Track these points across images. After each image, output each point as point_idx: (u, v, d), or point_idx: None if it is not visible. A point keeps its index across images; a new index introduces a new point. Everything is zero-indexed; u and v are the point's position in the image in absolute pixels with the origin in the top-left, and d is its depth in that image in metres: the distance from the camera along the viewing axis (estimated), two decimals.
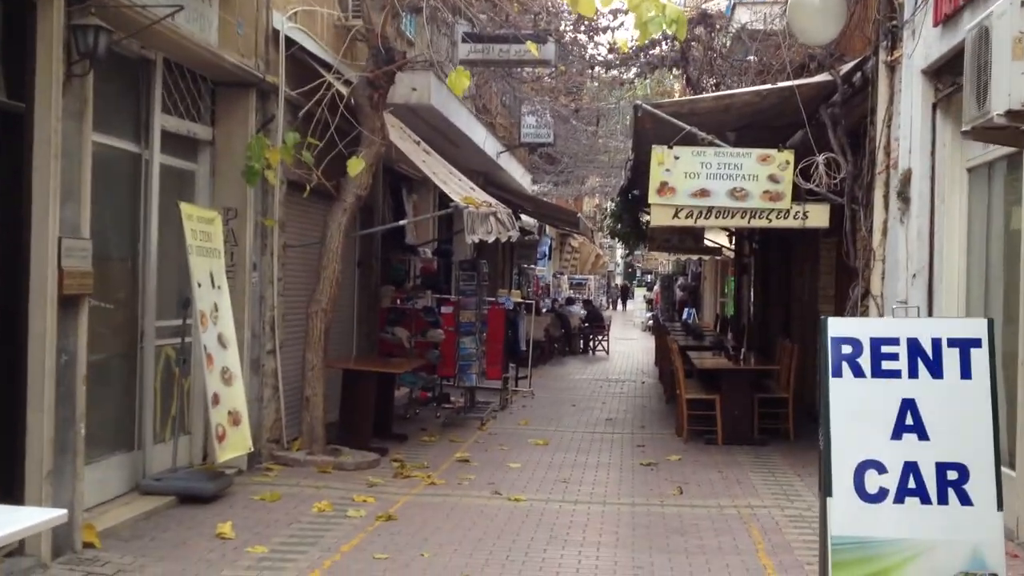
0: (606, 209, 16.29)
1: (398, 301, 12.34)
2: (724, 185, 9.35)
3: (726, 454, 9.72)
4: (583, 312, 25.00)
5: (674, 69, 13.76)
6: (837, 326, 4.80)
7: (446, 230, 16.27)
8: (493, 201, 11.05)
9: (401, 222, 10.35)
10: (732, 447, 10.03)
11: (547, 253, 31.36)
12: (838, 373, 4.75)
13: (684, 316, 29.34)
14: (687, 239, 22.63)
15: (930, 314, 7.88)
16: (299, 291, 9.42)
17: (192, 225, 7.54)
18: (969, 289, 7.88)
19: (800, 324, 13.23)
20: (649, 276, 54.32)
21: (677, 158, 9.41)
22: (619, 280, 60.58)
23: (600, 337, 23.96)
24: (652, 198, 9.51)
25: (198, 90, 8.28)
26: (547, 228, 29.72)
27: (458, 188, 10.79)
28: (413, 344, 12.03)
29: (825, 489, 4.67)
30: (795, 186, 9.31)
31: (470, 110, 14.84)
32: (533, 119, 18.16)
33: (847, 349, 4.77)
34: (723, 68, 12.50)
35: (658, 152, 9.45)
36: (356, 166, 8.09)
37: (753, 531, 6.72)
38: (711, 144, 9.46)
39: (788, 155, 9.33)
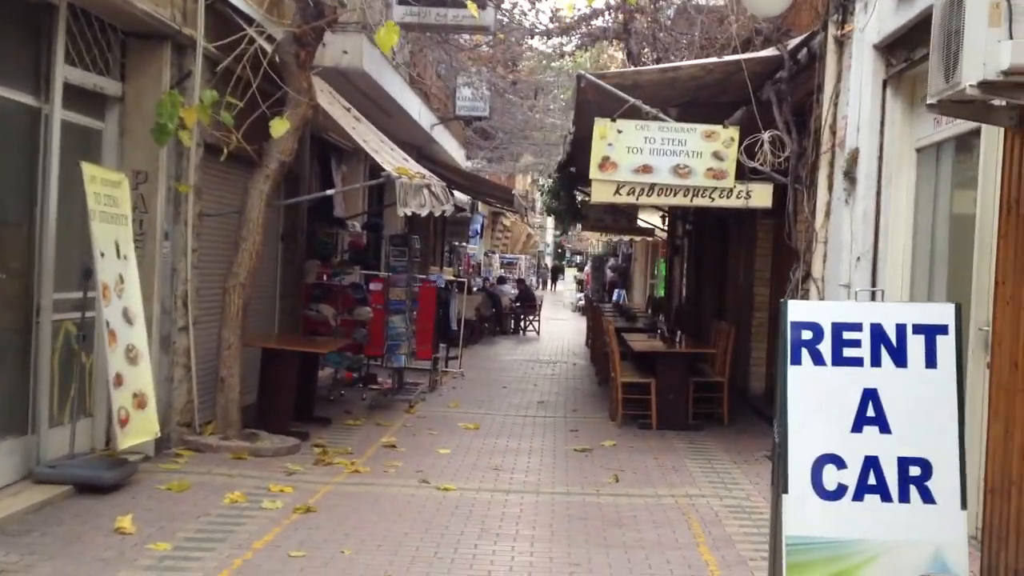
0: (542, 186, 15.83)
1: (324, 277, 11.76)
2: (667, 161, 9.00)
3: (661, 439, 9.43)
4: (514, 292, 24.63)
5: (615, 42, 13.36)
6: (798, 310, 4.46)
7: (377, 203, 15.71)
8: (427, 173, 10.54)
9: (328, 191, 9.76)
10: (667, 432, 9.75)
11: (479, 231, 30.88)
12: (797, 360, 4.41)
13: (614, 297, 29.20)
14: (621, 219, 22.49)
15: (872, 299, 7.65)
16: (216, 264, 8.80)
17: (95, 188, 6.88)
18: (914, 272, 7.67)
19: (734, 306, 13.04)
20: (579, 257, 54.31)
21: (620, 132, 9.03)
22: (549, 260, 60.44)
23: (531, 317, 23.62)
24: (593, 173, 9.12)
25: (107, 41, 7.59)
26: (479, 206, 29.25)
27: (391, 158, 10.25)
28: (339, 322, 11.48)
29: (780, 485, 4.34)
30: (739, 164, 9.02)
31: (404, 78, 14.27)
32: (469, 91, 17.65)
33: (807, 335, 4.43)
34: (666, 42, 12.15)
35: (600, 125, 9.05)
36: (280, 127, 7.50)
37: (693, 523, 6.40)
38: (655, 118, 9.10)
39: (733, 132, 9.02)
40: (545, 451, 8.81)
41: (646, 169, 9.04)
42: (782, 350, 4.41)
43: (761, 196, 9.06)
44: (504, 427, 10.09)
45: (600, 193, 9.26)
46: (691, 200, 9.12)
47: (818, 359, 4.39)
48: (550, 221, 63.30)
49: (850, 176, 7.97)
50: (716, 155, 8.98)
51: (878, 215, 7.85)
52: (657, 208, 21.31)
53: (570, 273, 42.80)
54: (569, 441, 9.31)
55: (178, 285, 8.13)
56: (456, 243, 26.84)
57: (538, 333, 23.29)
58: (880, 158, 7.85)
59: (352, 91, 11.98)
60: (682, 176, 9.01)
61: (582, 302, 33.20)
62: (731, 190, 9.04)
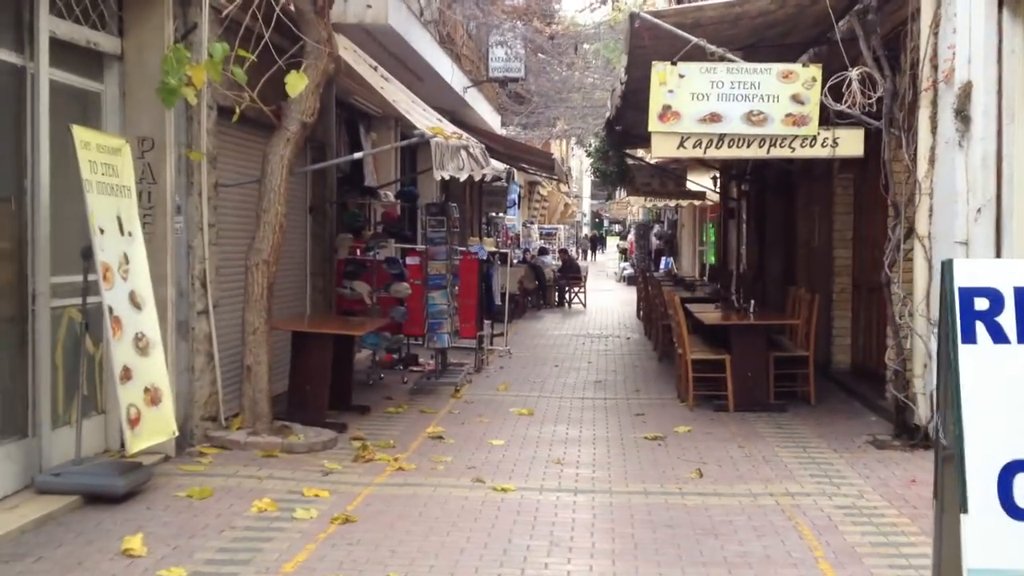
0: (588, 146, 14.69)
1: (357, 252, 10.83)
2: (739, 108, 7.93)
3: (742, 423, 8.40)
4: (558, 263, 23.60)
5: None
6: (968, 272, 3.42)
7: (410, 170, 14.74)
8: (464, 134, 9.53)
9: (357, 155, 8.74)
10: (746, 415, 8.72)
11: (516, 201, 29.83)
12: (970, 338, 3.38)
13: (662, 266, 28.05)
14: (669, 182, 21.33)
15: (998, 257, 6.55)
16: (237, 240, 7.90)
17: (90, 155, 5.96)
18: None
19: (808, 272, 11.91)
20: (618, 226, 53.07)
21: (682, 76, 7.96)
22: (586, 230, 59.24)
23: (576, 289, 22.59)
24: (653, 125, 8.05)
25: None
26: (515, 174, 28.17)
27: (423, 119, 9.28)
28: (376, 300, 10.55)
29: (950, 501, 3.34)
30: (823, 108, 7.90)
31: (433, 36, 13.23)
32: (502, 51, 16.56)
33: (983, 304, 3.39)
34: None
35: (660, 70, 7.98)
36: (298, 83, 6.52)
37: (803, 530, 5.39)
38: (723, 59, 7.99)
39: (815, 71, 7.91)
40: (612, 440, 7.83)
41: (714, 118, 7.96)
42: (948, 324, 3.38)
43: (850, 143, 7.95)
44: (561, 412, 9.12)
45: (662, 147, 8.20)
46: (768, 151, 8.03)
47: (999, 336, 3.35)
48: (587, 190, 61.96)
49: (963, 115, 6.85)
50: (795, 98, 7.88)
51: (999, 159, 6.74)
52: (709, 167, 20.12)
53: (611, 242, 41.60)
54: (637, 427, 8.32)
55: (195, 264, 7.23)
56: (493, 213, 25.83)
57: (584, 305, 22.25)
58: (999, 92, 6.73)
59: (378, 50, 11.00)
60: (757, 124, 7.92)
61: (627, 271, 32.09)
62: (815, 138, 7.94)
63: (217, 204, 7.51)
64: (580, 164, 44.98)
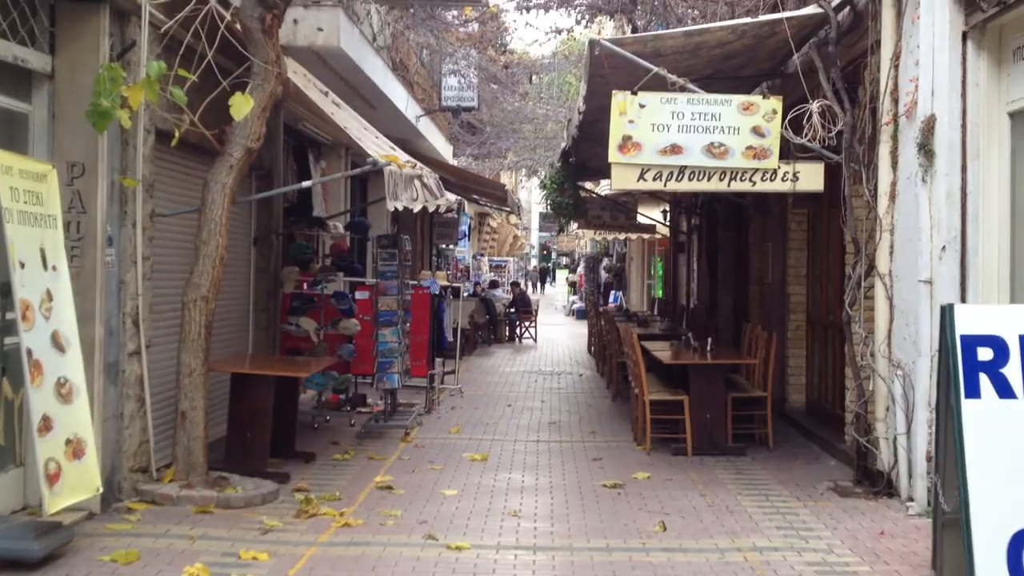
0: (543, 179, 14.42)
1: (304, 286, 10.38)
2: (699, 140, 7.69)
3: (701, 469, 8.10)
4: (508, 296, 23.27)
5: (618, 15, 12.04)
6: (969, 318, 3.15)
7: (360, 200, 14.35)
8: (417, 163, 9.18)
9: (305, 183, 8.31)
10: (705, 459, 8.42)
11: (467, 233, 29.52)
12: (974, 392, 3.10)
13: (611, 299, 27.88)
14: (619, 215, 21.16)
15: (963, 298, 6.36)
16: (174, 275, 7.43)
17: (11, 182, 5.49)
18: (1014, 265, 6.39)
19: (761, 309, 11.73)
20: (565, 258, 53.03)
21: (643, 106, 7.72)
22: (535, 263, 59.09)
23: (528, 324, 22.26)
24: (613, 156, 7.78)
25: (29, 4, 6.21)
26: (466, 206, 27.86)
27: (376, 147, 8.91)
28: (323, 337, 10.11)
29: (967, 571, 3.04)
30: (783, 141, 7.71)
31: (386, 62, 12.91)
32: (455, 80, 16.27)
33: (986, 354, 3.11)
34: (678, 13, 10.82)
35: (620, 99, 7.73)
36: (243, 105, 6.11)
37: None
38: (683, 89, 7.77)
39: (775, 103, 7.71)
40: (569, 488, 7.46)
41: (675, 149, 7.72)
42: (949, 376, 3.11)
43: (811, 178, 7.76)
44: (516, 457, 8.73)
45: (622, 179, 7.92)
46: (728, 185, 7.80)
47: (1005, 390, 3.08)
48: (535, 222, 61.86)
49: (926, 149, 6.68)
50: (756, 131, 7.67)
51: (964, 195, 6.57)
52: (660, 200, 20.02)
53: (560, 275, 41.42)
54: (595, 473, 7.96)
55: (126, 301, 6.75)
56: (444, 245, 25.46)
57: (535, 340, 21.92)
58: (964, 126, 6.58)
59: (329, 76, 10.64)
60: (718, 156, 7.68)
61: (577, 305, 31.88)
62: (775, 171, 7.73)
63: (153, 235, 7.04)
64: (529, 195, 44.90)
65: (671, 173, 7.79)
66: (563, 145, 12.54)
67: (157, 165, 7.12)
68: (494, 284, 24.88)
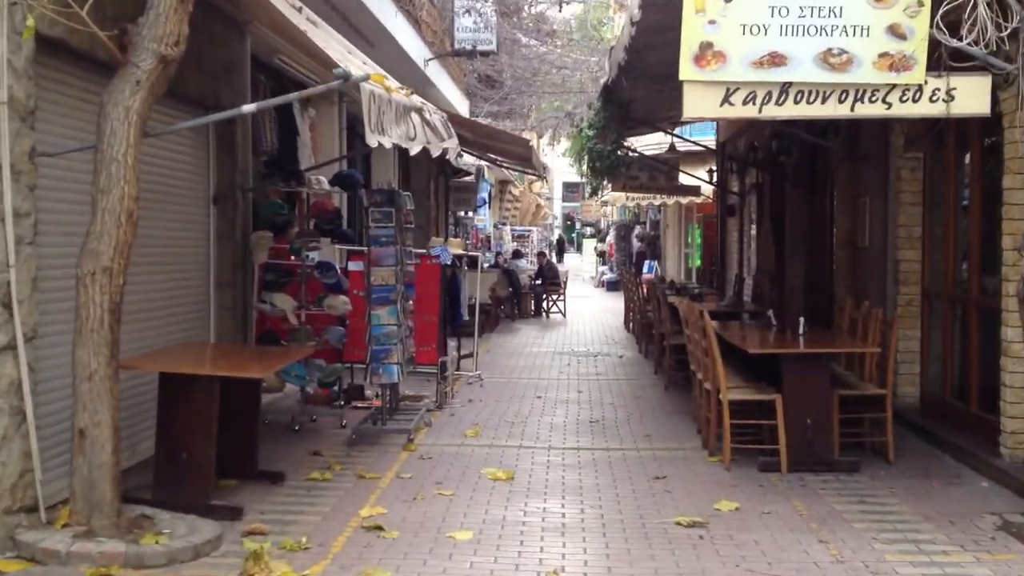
0: (578, 122, 12.13)
1: (290, 256, 8.31)
2: (811, 45, 5.53)
3: (806, 494, 5.99)
4: (533, 267, 21.14)
5: None
6: None
7: (360, 145, 12.20)
8: (417, 97, 7.05)
9: (247, 107, 5.87)
10: (807, 477, 6.32)
11: (487, 200, 27.40)
12: None
13: (645, 270, 25.68)
14: (658, 176, 18.93)
15: None
16: (71, 237, 5.34)
17: None
18: None
19: (851, 280, 9.49)
20: (589, 228, 50.82)
21: (729, 0, 5.52)
22: (559, 233, 56.85)
23: (556, 297, 20.12)
24: (686, 71, 5.62)
25: None
26: (486, 171, 25.70)
27: (363, 71, 6.75)
28: (304, 319, 8.04)
29: None
30: (933, 45, 5.51)
31: None
32: (470, 20, 14.04)
33: None
34: None
35: None
36: None
37: None
38: None
39: None
40: (630, 527, 5.35)
41: (776, 59, 5.56)
42: None
43: (973, 97, 5.61)
44: (551, 473, 6.65)
45: (697, 104, 5.75)
46: (852, 107, 5.62)
47: None
48: (558, 191, 59.39)
49: None
50: (894, 30, 5.49)
51: None
52: (703, 159, 17.78)
53: (587, 245, 39.17)
54: (661, 501, 5.85)
55: None
56: (462, 213, 23.35)
57: (564, 315, 19.77)
58: None
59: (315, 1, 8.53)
60: (837, 68, 5.51)
61: (607, 276, 29.69)
62: (920, 88, 5.54)
63: (36, 183, 4.95)
64: (553, 163, 42.65)
65: (769, 94, 5.64)
66: (604, 79, 10.31)
67: (43, 86, 5.02)
68: (517, 254, 22.74)
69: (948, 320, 7.82)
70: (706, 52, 5.54)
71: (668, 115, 12.63)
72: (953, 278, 7.78)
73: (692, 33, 5.53)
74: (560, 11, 15.01)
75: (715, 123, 16.21)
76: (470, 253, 11.40)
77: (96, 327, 4.83)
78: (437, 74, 14.46)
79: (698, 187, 19.47)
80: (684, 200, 22.21)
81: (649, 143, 18.56)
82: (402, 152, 16.01)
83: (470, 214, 25.02)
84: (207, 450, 5.49)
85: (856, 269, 9.40)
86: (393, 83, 6.51)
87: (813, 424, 6.51)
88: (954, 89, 5.52)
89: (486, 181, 27.07)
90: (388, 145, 5.58)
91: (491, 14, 14.05)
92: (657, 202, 24.38)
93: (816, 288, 11.41)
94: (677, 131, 14.86)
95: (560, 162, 36.32)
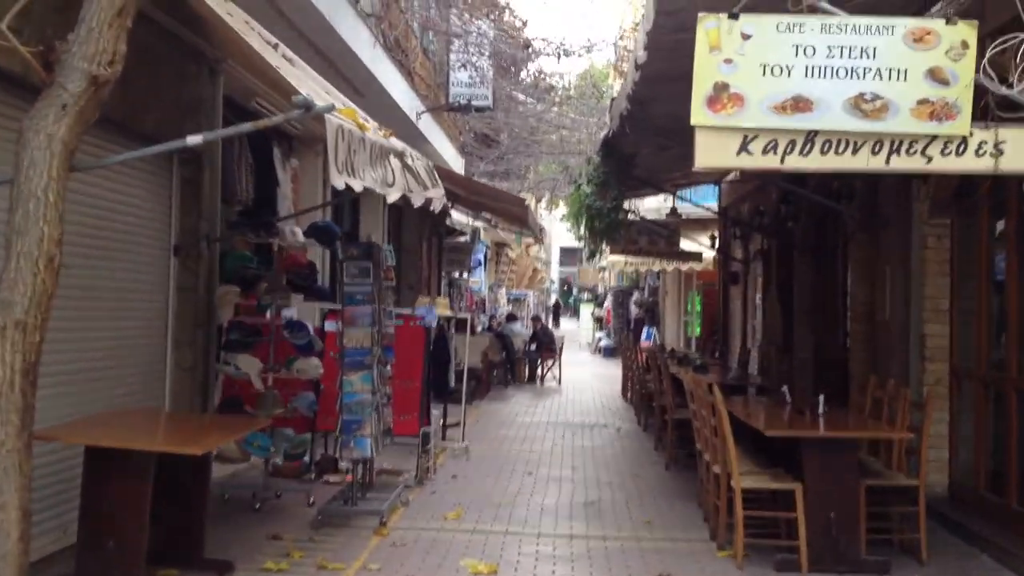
0: (576, 178, 11.48)
1: (270, 314, 7.57)
2: (841, 89, 4.90)
3: None
4: (528, 331, 20.42)
5: None
6: None
7: (350, 203, 11.60)
8: (400, 143, 6.42)
9: (192, 139, 5.06)
10: None
11: (482, 261, 26.78)
12: None
13: (644, 337, 24.95)
14: (658, 240, 18.39)
15: None
16: None
17: None
18: None
19: (866, 354, 8.79)
20: (587, 293, 50.31)
21: (747, 37, 4.95)
22: (555, 297, 56.26)
23: (551, 363, 19.35)
24: (698, 115, 4.98)
25: None
26: (481, 233, 25.14)
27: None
28: (271, 383, 7.30)
29: None
30: (978, 91, 4.89)
31: (375, 34, 10.22)
32: (466, 74, 13.53)
33: None
34: None
35: (710, 26, 4.96)
36: None
37: None
38: (814, 9, 4.96)
39: (967, 30, 4.89)
40: None
41: (800, 105, 4.92)
42: None
43: None
44: (540, 567, 5.86)
45: (711, 152, 5.09)
46: (886, 160, 4.96)
47: None
48: (555, 255, 58.95)
49: None
50: (935, 75, 4.86)
51: None
52: (705, 225, 17.21)
53: (584, 310, 38.48)
54: None
55: None
56: (456, 275, 22.68)
57: (559, 382, 18.99)
58: None
59: (296, 40, 7.98)
60: (870, 115, 4.87)
61: (604, 342, 28.95)
62: (964, 140, 4.90)
63: None
64: (550, 227, 42.27)
65: (792, 143, 4.98)
66: (605, 131, 9.71)
67: None
68: (512, 318, 21.99)
69: (981, 402, 7.09)
70: (721, 94, 4.91)
71: (671, 176, 12.08)
72: (987, 355, 7.09)
73: (705, 73, 4.91)
74: (559, 62, 14.39)
75: (718, 187, 15.69)
76: (459, 315, 10.64)
77: (5, 391, 4.08)
78: (430, 129, 13.92)
79: (699, 253, 18.93)
80: (684, 266, 21.66)
81: (649, 208, 18.06)
82: (393, 208, 15.54)
83: (465, 275, 24.40)
84: (138, 536, 4.71)
85: (875, 343, 8.69)
86: (370, 122, 5.88)
87: (837, 518, 5.74)
88: (1003, 143, 4.88)
89: (482, 242, 26.51)
90: (358, 188, 4.89)
91: (487, 68, 13.54)
92: (656, 268, 23.83)
93: (827, 362, 10.70)
94: (680, 194, 14.30)
95: (558, 227, 35.83)
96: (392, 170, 5.60)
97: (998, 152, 4.88)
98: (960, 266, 7.43)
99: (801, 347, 11.22)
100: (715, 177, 13.50)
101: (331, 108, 4.47)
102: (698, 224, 17.97)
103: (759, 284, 13.97)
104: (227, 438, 5.80)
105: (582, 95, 17.61)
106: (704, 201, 16.56)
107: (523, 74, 15.16)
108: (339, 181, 4.56)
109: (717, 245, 16.95)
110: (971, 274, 7.36)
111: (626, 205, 12.52)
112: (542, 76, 14.69)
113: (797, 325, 11.43)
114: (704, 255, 18.63)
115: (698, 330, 23.23)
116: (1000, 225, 6.97)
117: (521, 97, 16.24)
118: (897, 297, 8.08)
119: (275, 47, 6.77)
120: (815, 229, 11.02)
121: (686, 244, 18.68)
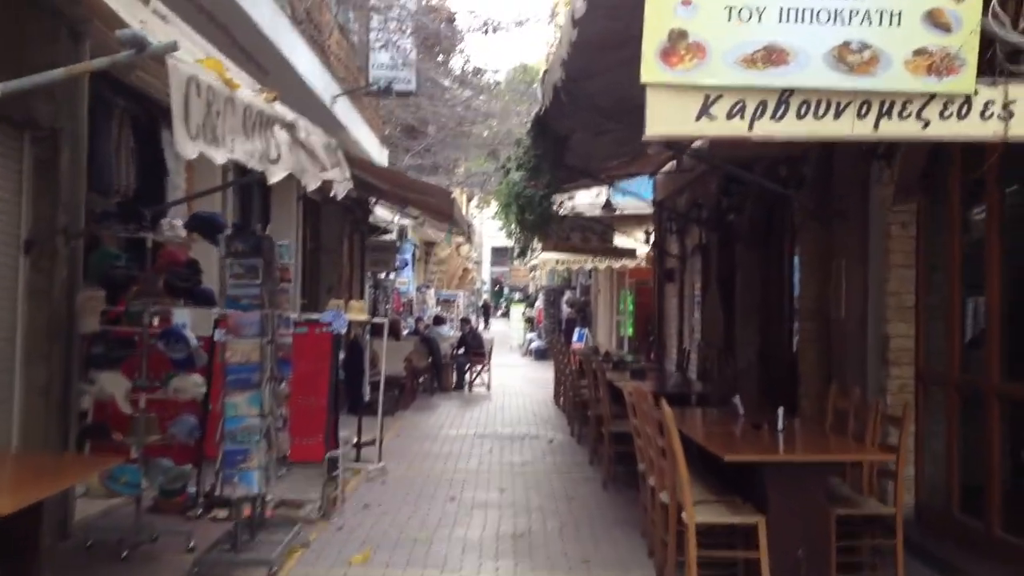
0: (503, 164, 10.44)
1: (143, 322, 6.43)
2: (821, 37, 4.01)
3: None
4: (455, 334, 19.39)
5: None
6: None
7: (260, 195, 10.45)
8: (290, 112, 5.35)
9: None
10: None
11: (410, 261, 25.68)
12: None
13: (575, 338, 24.13)
14: (591, 237, 17.52)
15: None
16: None
17: None
18: None
19: (824, 357, 7.98)
20: (518, 293, 49.54)
21: None
22: (486, 298, 55.36)
23: (480, 368, 18.35)
24: (649, 71, 4.04)
25: None
26: (409, 232, 24.03)
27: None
28: (143, 405, 6.16)
29: None
30: (985, 41, 4.04)
31: (281, 5, 9.09)
32: (387, 56, 12.46)
33: None
34: None
35: None
36: None
37: None
38: None
39: None
40: None
41: (773, 56, 4.04)
42: None
43: None
44: None
45: (666, 115, 4.16)
46: (875, 125, 4.10)
47: None
48: (487, 255, 57.99)
49: None
50: (933, 19, 4.01)
51: None
52: (640, 220, 16.41)
53: (515, 310, 37.59)
54: None
55: None
56: (381, 275, 21.53)
57: (488, 388, 17.98)
58: None
59: (190, 11, 6.84)
60: (856, 69, 4.01)
61: (535, 344, 28.05)
62: (968, 100, 4.04)
63: None
64: (481, 226, 41.30)
65: (763, 105, 4.08)
66: (536, 109, 8.71)
67: None
68: (439, 320, 20.94)
69: (953, 411, 6.31)
70: (678, 44, 3.99)
71: (606, 165, 11.18)
72: (959, 358, 6.30)
73: (659, 18, 3.99)
74: (487, 36, 13.42)
75: (653, 180, 14.88)
76: (375, 320, 9.58)
77: None
78: (349, 116, 12.81)
79: (634, 250, 18.14)
80: (616, 264, 20.90)
81: (582, 203, 17.23)
82: (310, 203, 14.38)
83: (391, 276, 23.25)
84: None
85: (827, 344, 7.89)
86: (244, 79, 4.81)
87: (807, 556, 4.87)
88: (1013, 103, 4.06)
89: (410, 241, 25.40)
90: (219, 160, 3.86)
91: (410, 49, 12.49)
92: (588, 266, 23.05)
93: (773, 364, 9.94)
94: (615, 187, 13.46)
95: (489, 226, 34.85)
96: (276, 143, 4.55)
97: (1008, 114, 4.06)
98: (927, 257, 6.65)
99: (745, 349, 10.43)
100: (654, 168, 12.65)
101: (174, 47, 3.41)
102: (633, 220, 17.17)
103: (697, 281, 13.18)
104: (63, 483, 4.66)
105: (511, 82, 16.68)
106: (640, 194, 15.76)
107: (450, 57, 14.13)
108: (190, 149, 3.52)
109: (652, 240, 16.16)
110: (940, 265, 6.58)
111: (559, 200, 11.60)
112: (468, 61, 13.76)
113: (740, 324, 10.64)
114: (638, 252, 17.83)
115: (631, 330, 22.53)
116: (976, 210, 6.19)
117: (447, 83, 15.22)
118: (854, 293, 7.27)
119: (146, 2, 5.65)
120: (760, 221, 10.24)
121: (620, 240, 17.85)
